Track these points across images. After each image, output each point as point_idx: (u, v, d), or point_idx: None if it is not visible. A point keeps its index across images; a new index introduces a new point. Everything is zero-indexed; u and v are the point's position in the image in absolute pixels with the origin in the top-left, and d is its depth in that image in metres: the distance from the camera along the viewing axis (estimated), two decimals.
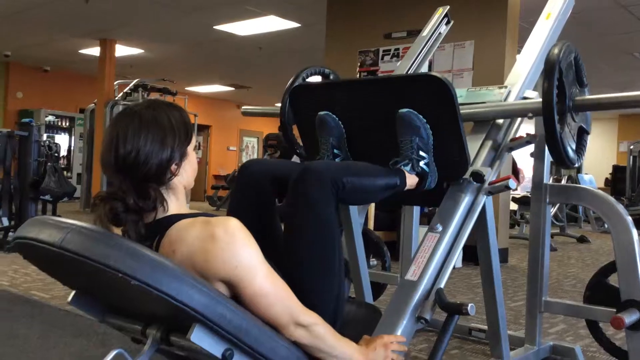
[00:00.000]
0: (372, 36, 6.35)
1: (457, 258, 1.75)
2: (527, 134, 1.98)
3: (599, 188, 10.15)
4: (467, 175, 1.85)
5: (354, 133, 1.97)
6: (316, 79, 2.50)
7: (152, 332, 1.28)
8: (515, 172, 8.69)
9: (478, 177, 1.84)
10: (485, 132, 2.02)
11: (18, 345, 2.34)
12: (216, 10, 7.34)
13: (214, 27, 8.10)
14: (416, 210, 2.77)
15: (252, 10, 7.26)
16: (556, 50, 1.86)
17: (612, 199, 2.22)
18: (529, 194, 2.48)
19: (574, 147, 2.01)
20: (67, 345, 2.35)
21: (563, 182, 9.58)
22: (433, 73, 1.79)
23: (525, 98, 2.16)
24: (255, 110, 2.86)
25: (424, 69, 2.73)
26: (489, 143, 1.99)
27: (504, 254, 5.64)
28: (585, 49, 8.02)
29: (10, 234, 5.10)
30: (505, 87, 2.12)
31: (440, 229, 1.77)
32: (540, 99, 1.85)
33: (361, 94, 1.95)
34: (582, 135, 2.08)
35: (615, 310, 2.11)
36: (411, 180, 1.78)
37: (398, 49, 6.18)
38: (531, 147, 2.34)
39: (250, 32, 8.26)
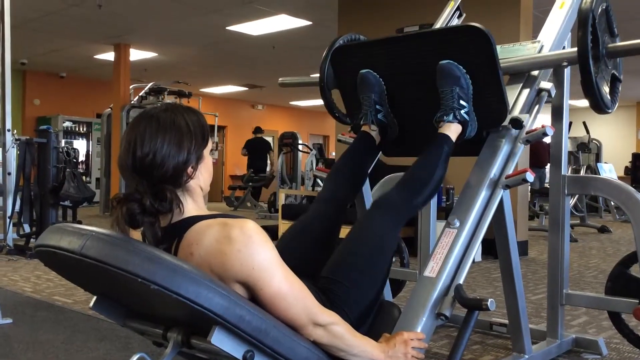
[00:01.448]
0: (384, 31, 6.30)
1: (475, 252, 1.75)
2: (544, 125, 1.97)
3: (619, 177, 10.03)
4: (506, 123, 1.90)
5: (395, 89, 2.05)
6: None
7: (173, 335, 1.29)
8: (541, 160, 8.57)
9: (517, 123, 1.90)
10: (521, 82, 2.08)
11: (43, 350, 2.37)
12: (228, 11, 7.36)
13: (227, 27, 8.13)
14: (433, 205, 2.75)
15: (263, 9, 7.27)
16: (589, 1, 1.91)
17: (630, 188, 2.19)
18: (547, 185, 2.46)
19: (608, 92, 2.06)
20: (90, 350, 2.38)
21: (582, 172, 9.47)
22: (473, 24, 1.85)
23: (541, 89, 2.14)
24: (294, 80, 2.87)
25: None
26: (526, 92, 2.04)
27: (523, 247, 5.60)
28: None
29: (32, 240, 5.17)
30: (538, 41, 2.17)
31: (457, 224, 1.77)
32: (575, 49, 1.91)
33: (401, 49, 2.02)
34: (615, 82, 2.13)
35: (637, 301, 2.08)
36: (455, 129, 1.87)
37: None
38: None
39: (263, 32, 8.28)
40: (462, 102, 1.85)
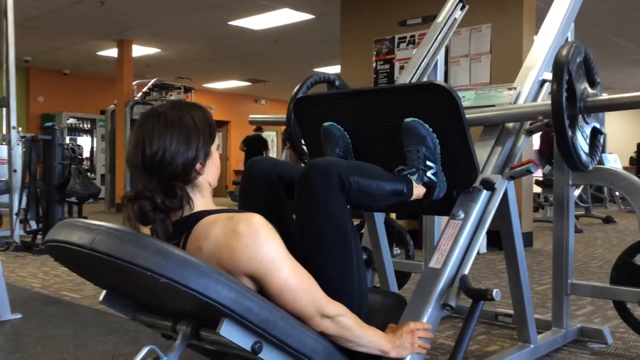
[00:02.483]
0: (387, 24, 6.32)
1: (480, 244, 1.75)
2: (530, 161, 1.94)
3: (624, 167, 10.01)
4: (477, 184, 1.80)
5: (360, 143, 1.93)
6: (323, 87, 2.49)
7: (182, 327, 1.31)
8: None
9: (488, 185, 1.79)
10: (495, 136, 1.97)
11: (52, 345, 2.40)
12: (230, 5, 7.36)
13: (229, 22, 8.13)
14: None
15: (265, 3, 7.27)
16: (564, 52, 1.81)
17: (635, 178, 2.20)
18: (552, 177, 2.46)
19: (587, 150, 1.95)
20: (99, 343, 2.41)
21: None
22: (437, 82, 1.75)
23: (544, 80, 2.15)
24: (263, 119, 2.87)
25: (441, 55, 2.72)
26: (499, 149, 1.93)
27: (528, 238, 5.61)
28: (605, 26, 7.90)
29: (39, 236, 5.20)
30: (515, 88, 2.07)
31: (462, 216, 1.78)
32: (549, 103, 1.79)
33: (365, 104, 1.91)
34: (595, 136, 2.02)
35: None
36: (418, 190, 1.73)
37: (414, 35, 6.15)
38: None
39: (265, 26, 8.28)
40: (429, 162, 1.74)
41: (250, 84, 13.54)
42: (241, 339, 1.22)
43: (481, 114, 2.02)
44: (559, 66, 1.79)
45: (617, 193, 9.68)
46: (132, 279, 1.24)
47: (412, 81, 2.55)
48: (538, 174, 10.09)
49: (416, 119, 1.74)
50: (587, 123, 1.96)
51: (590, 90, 1.97)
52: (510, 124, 2.00)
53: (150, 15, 7.96)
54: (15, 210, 5.18)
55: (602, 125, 2.09)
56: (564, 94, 1.77)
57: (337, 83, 2.54)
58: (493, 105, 2.06)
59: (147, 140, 1.32)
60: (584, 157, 1.92)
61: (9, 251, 4.99)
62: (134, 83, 9.91)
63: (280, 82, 12.72)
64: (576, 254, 4.96)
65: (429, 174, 1.75)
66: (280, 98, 15.98)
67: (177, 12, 7.72)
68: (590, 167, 1.98)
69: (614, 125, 14.07)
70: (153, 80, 9.81)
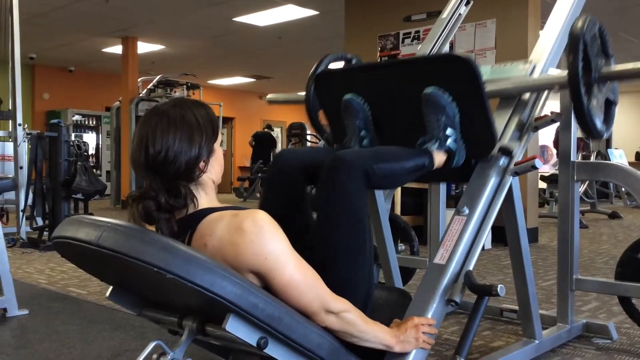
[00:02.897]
0: (391, 20, 6.31)
1: (485, 239, 1.76)
2: (552, 112, 1.97)
3: (630, 162, 9.97)
4: (495, 151, 1.86)
5: (380, 115, 1.99)
6: (339, 64, 2.51)
7: (188, 323, 1.32)
8: None
9: (506, 152, 1.85)
10: (511, 107, 2.02)
11: (59, 341, 2.42)
12: (234, 2, 7.36)
13: (233, 19, 8.13)
14: (442, 193, 2.76)
15: (270, 0, 7.27)
16: (580, 23, 1.85)
17: None
18: (557, 172, 2.45)
19: (602, 118, 2.00)
20: (106, 339, 2.42)
21: (592, 158, 9.43)
22: (456, 53, 1.80)
23: None
24: (280, 98, 2.88)
25: (446, 50, 2.72)
26: (516, 118, 1.99)
27: (533, 234, 5.60)
28: (611, 21, 7.86)
29: (45, 233, 5.22)
30: (530, 62, 2.12)
31: (467, 211, 1.78)
32: (566, 72, 1.84)
33: (385, 76, 1.97)
34: (609, 106, 2.07)
35: None
36: (439, 158, 1.80)
37: (418, 31, 6.13)
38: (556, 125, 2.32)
39: (270, 22, 8.27)
40: (448, 131, 1.80)
41: (254, 80, 13.53)
42: (247, 335, 1.23)
43: (498, 86, 2.06)
44: (575, 37, 1.82)
45: (622, 189, 9.66)
46: (138, 275, 1.25)
47: (431, 54, 2.57)
48: (544, 169, 10.07)
49: (436, 89, 1.79)
50: (601, 92, 2.00)
51: (604, 61, 2.01)
52: (527, 95, 2.04)
53: (154, 12, 7.97)
54: (22, 207, 5.20)
55: (616, 97, 2.13)
56: (580, 63, 1.81)
57: (354, 61, 2.56)
58: (509, 79, 2.09)
59: (150, 140, 1.33)
60: (599, 124, 1.96)
61: (16, 248, 5.01)
62: (138, 80, 9.93)
63: (285, 78, 12.72)
64: (581, 249, 4.95)
65: (448, 141, 1.81)
66: (285, 93, 15.95)
67: (181, 9, 7.73)
68: (605, 136, 2.03)
69: (620, 120, 13.98)
70: (158, 77, 9.82)
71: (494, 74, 2.13)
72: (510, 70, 2.12)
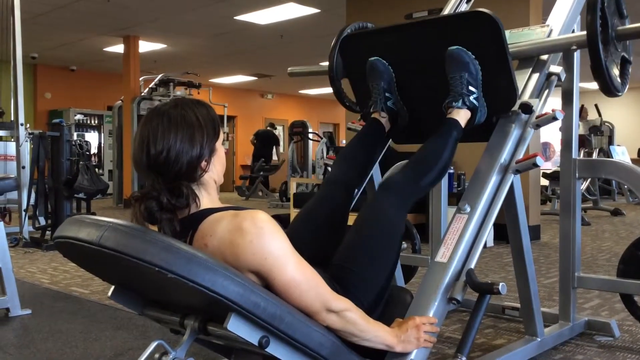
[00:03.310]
0: (392, 17, 6.29)
1: (487, 237, 1.76)
2: (554, 110, 1.97)
3: (632, 159, 9.91)
4: (515, 108, 1.90)
5: (404, 76, 2.04)
6: None
7: (190, 322, 1.32)
8: None
9: (527, 108, 1.90)
10: (530, 67, 2.07)
11: (62, 340, 2.42)
12: (236, 0, 7.36)
13: (235, 17, 8.13)
14: (444, 191, 2.76)
15: None
16: None
17: None
18: (559, 169, 2.45)
19: (618, 75, 2.05)
20: (108, 338, 2.43)
21: (594, 155, 9.41)
22: (481, 9, 1.84)
23: (551, 73, 2.13)
24: (303, 69, 2.88)
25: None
26: (535, 76, 2.04)
27: (535, 231, 5.59)
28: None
29: (48, 232, 5.23)
30: (547, 25, 2.17)
31: (468, 209, 1.78)
32: (584, 32, 1.91)
33: (410, 37, 2.02)
34: (625, 64, 2.13)
35: None
36: (464, 115, 1.86)
37: None
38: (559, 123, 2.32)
39: (271, 21, 8.27)
40: (471, 88, 1.85)
41: (256, 78, 13.53)
42: (248, 334, 1.23)
43: (517, 48, 2.09)
44: None
45: (625, 186, 9.64)
46: (140, 274, 1.26)
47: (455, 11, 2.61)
48: (546, 166, 10.05)
49: (459, 47, 1.85)
50: (617, 51, 2.06)
51: (619, 22, 2.07)
52: (545, 56, 2.09)
53: (156, 11, 7.97)
54: (24, 206, 5.21)
55: (630, 56, 2.19)
56: (598, 21, 1.86)
57: None
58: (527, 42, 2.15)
59: (151, 140, 1.33)
60: (616, 81, 2.02)
61: (18, 247, 5.03)
62: (140, 79, 9.93)
63: (286, 76, 12.51)
64: (584, 246, 4.94)
65: (471, 98, 1.86)
66: (287, 92, 15.98)
67: (183, 8, 7.73)
68: (621, 92, 2.07)
69: (622, 117, 13.98)
70: (160, 76, 9.82)
71: (512, 38, 2.15)
72: (528, 34, 2.16)
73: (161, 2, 7.54)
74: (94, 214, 5.67)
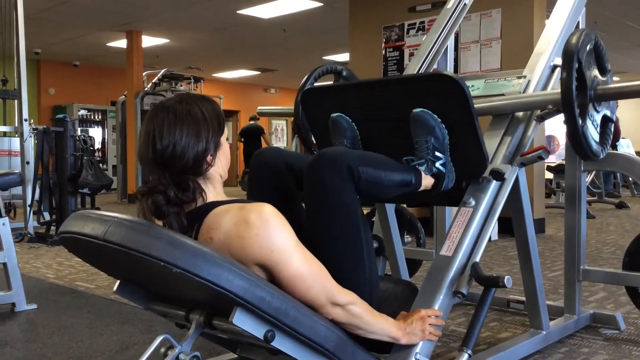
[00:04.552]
0: (396, 10, 6.28)
1: (491, 231, 1.75)
2: (542, 147, 1.93)
3: (637, 152, 9.86)
4: (486, 174, 1.80)
5: (368, 134, 1.93)
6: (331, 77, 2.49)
7: (196, 317, 1.33)
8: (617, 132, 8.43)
9: (498, 175, 1.78)
10: (504, 126, 1.96)
11: (67, 335, 2.43)
12: None
13: (237, 11, 8.11)
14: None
15: None
16: (574, 40, 1.80)
17: None
18: (564, 162, 2.44)
19: (597, 139, 1.95)
20: (114, 333, 2.43)
21: None
22: (445, 72, 1.74)
23: (555, 66, 2.13)
24: (271, 110, 2.88)
25: (451, 41, 2.70)
26: (509, 138, 1.93)
27: (540, 224, 5.59)
28: (617, 9, 7.80)
29: (52, 227, 5.25)
30: (524, 76, 2.06)
31: (473, 203, 1.78)
32: (559, 91, 1.78)
33: (372, 95, 1.91)
34: (606, 124, 2.01)
35: None
36: (427, 181, 1.73)
37: (423, 22, 6.10)
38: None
39: (274, 15, 8.25)
40: (437, 153, 1.74)
41: (259, 73, 13.52)
42: (254, 328, 1.24)
43: (490, 103, 2.02)
44: (568, 55, 1.77)
45: (630, 178, 9.61)
46: (145, 269, 1.26)
47: (422, 68, 2.54)
48: (551, 159, 10.02)
49: (424, 109, 1.74)
50: (597, 111, 1.95)
51: (600, 78, 1.95)
52: (520, 113, 1.99)
53: (159, 6, 7.96)
54: (29, 202, 5.23)
55: (613, 113, 2.07)
56: (574, 83, 1.75)
57: (344, 73, 2.53)
58: (502, 95, 2.04)
59: (157, 136, 1.33)
60: (594, 146, 1.92)
61: (24, 242, 5.04)
62: (143, 74, 9.93)
63: (290, 70, 12.70)
64: (589, 239, 4.94)
65: (437, 164, 1.74)
66: (290, 87, 15.96)
67: (185, 2, 7.72)
68: (601, 156, 1.98)
69: (627, 109, 13.90)
70: (163, 71, 9.82)
71: (487, 89, 2.09)
72: (503, 85, 2.07)
73: None
74: (98, 209, 5.68)
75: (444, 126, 1.74)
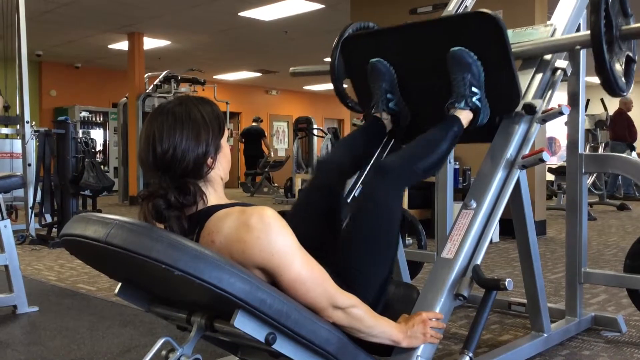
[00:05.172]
0: (397, 12, 6.28)
1: (493, 233, 1.75)
2: (560, 105, 1.96)
3: (638, 154, 9.79)
4: (519, 108, 1.89)
5: (406, 76, 2.03)
6: None
7: (197, 319, 1.33)
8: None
9: (530, 109, 1.88)
10: (534, 67, 2.05)
11: (69, 337, 2.43)
12: None
13: (239, 13, 8.12)
14: (450, 187, 2.76)
15: None
16: None
17: None
18: (565, 164, 2.44)
19: (622, 74, 2.03)
20: (115, 335, 2.44)
21: (600, 149, 9.37)
22: (484, 10, 1.83)
23: (557, 68, 2.13)
24: (305, 69, 2.88)
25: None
26: (539, 77, 2.02)
27: (541, 226, 5.58)
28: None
29: (54, 229, 5.25)
30: (551, 24, 2.14)
31: (474, 205, 1.78)
32: (588, 32, 1.88)
33: (411, 37, 2.01)
34: (629, 63, 2.10)
35: None
36: (466, 116, 1.85)
37: None
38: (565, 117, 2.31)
39: (275, 17, 8.26)
40: (474, 89, 1.84)
41: (260, 74, 13.53)
42: (255, 331, 1.24)
43: (520, 48, 2.07)
44: None
45: (632, 180, 9.59)
46: (146, 271, 1.26)
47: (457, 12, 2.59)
48: (552, 161, 10.01)
49: (462, 48, 1.83)
50: (622, 50, 2.03)
51: (623, 20, 2.04)
52: (548, 56, 2.07)
53: (160, 8, 7.97)
54: (31, 204, 5.23)
55: (635, 54, 2.16)
56: (603, 21, 1.83)
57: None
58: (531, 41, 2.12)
59: (157, 139, 1.33)
60: (620, 81, 1.99)
61: (25, 244, 5.05)
62: (145, 76, 9.93)
63: None
64: (590, 242, 4.93)
65: (474, 99, 1.85)
66: (291, 88, 15.97)
67: (187, 4, 7.73)
68: (625, 93, 2.05)
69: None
70: (164, 73, 9.82)
71: (515, 37, 2.14)
72: (531, 33, 2.14)
73: None
74: (99, 211, 5.69)
75: (480, 63, 1.85)
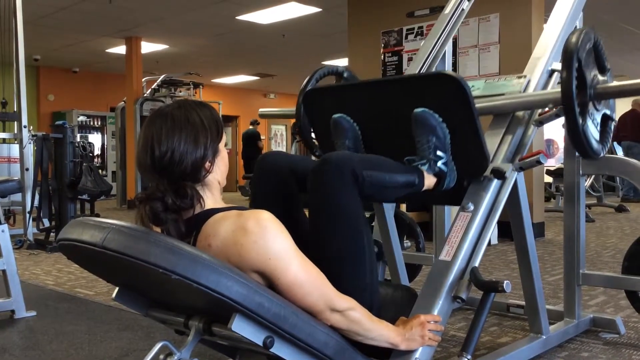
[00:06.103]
0: (394, 15, 6.29)
1: (491, 235, 1.75)
2: (540, 152, 1.94)
3: None
4: (487, 173, 1.80)
5: (369, 134, 1.93)
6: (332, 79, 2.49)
7: (195, 323, 1.33)
8: None
9: (499, 174, 1.79)
10: (505, 125, 1.97)
11: (67, 341, 2.43)
12: (237, 0, 7.36)
13: (236, 17, 8.13)
14: None
15: None
16: (573, 39, 1.81)
17: None
18: (563, 166, 2.45)
19: (597, 137, 1.95)
20: (113, 340, 2.43)
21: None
22: (446, 72, 1.74)
23: (553, 70, 2.14)
24: (273, 112, 2.88)
25: (449, 46, 2.71)
26: (509, 138, 1.93)
27: (540, 228, 5.58)
28: (615, 13, 7.82)
29: (52, 234, 5.24)
30: (524, 76, 2.07)
31: (471, 207, 1.78)
32: (559, 90, 1.79)
33: (374, 95, 1.91)
34: (606, 122, 2.02)
35: None
36: (429, 180, 1.74)
37: (422, 27, 6.12)
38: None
39: (272, 20, 8.28)
40: (439, 152, 1.74)
41: (258, 78, 13.54)
42: (253, 334, 1.23)
43: (490, 102, 2.02)
44: (568, 54, 1.78)
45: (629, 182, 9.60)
46: (144, 276, 1.26)
47: (421, 72, 2.54)
48: (550, 163, 10.02)
49: (426, 109, 1.74)
50: (597, 110, 1.95)
51: (600, 77, 1.95)
52: (520, 113, 1.99)
53: (158, 12, 7.98)
54: (28, 208, 5.23)
55: (613, 112, 2.09)
56: (574, 82, 1.76)
57: (345, 75, 2.54)
58: (502, 95, 2.05)
59: (155, 142, 1.33)
60: (595, 145, 1.92)
61: (23, 249, 5.04)
62: (143, 80, 9.94)
63: (289, 76, 12.72)
64: (588, 243, 4.93)
65: (439, 163, 1.75)
66: (289, 92, 15.97)
67: (184, 8, 7.74)
68: (602, 155, 1.98)
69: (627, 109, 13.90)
70: (162, 77, 9.83)
71: (487, 89, 2.09)
72: (504, 85, 2.08)
73: (163, 3, 7.55)
74: (97, 215, 5.68)
75: (445, 125, 1.75)
